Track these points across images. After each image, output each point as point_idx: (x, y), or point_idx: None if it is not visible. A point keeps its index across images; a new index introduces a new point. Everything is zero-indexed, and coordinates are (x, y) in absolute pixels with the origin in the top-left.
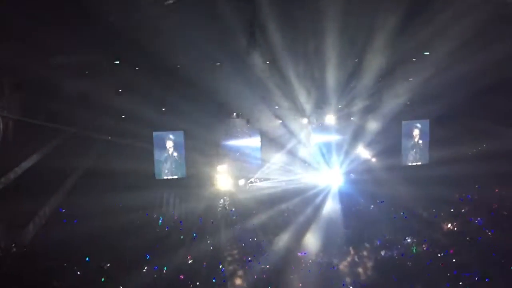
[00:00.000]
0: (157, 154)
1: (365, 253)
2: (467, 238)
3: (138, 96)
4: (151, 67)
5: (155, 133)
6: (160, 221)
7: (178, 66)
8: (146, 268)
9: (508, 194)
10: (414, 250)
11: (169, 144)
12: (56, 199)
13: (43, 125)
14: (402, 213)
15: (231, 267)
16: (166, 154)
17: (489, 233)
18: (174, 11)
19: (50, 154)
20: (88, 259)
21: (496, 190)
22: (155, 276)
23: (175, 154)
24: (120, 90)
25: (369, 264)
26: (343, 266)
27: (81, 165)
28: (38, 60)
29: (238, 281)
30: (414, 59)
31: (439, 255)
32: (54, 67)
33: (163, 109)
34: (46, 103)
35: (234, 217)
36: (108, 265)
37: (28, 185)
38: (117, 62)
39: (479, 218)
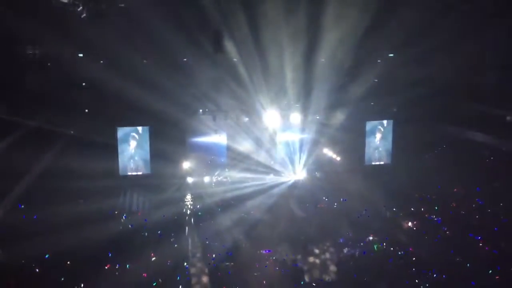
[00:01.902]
0: (121, 150)
1: (327, 250)
2: (424, 233)
3: (102, 91)
4: (116, 61)
5: (119, 129)
6: (123, 218)
7: (145, 61)
8: (108, 265)
9: (466, 194)
10: (375, 248)
11: (134, 140)
12: (15, 195)
13: (2, 118)
14: (364, 211)
15: (196, 265)
16: (130, 150)
17: (447, 232)
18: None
19: (9, 148)
20: (48, 256)
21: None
22: (117, 274)
23: (139, 150)
24: (83, 84)
25: (332, 261)
26: (306, 263)
27: (42, 160)
28: None
29: (203, 279)
30: (379, 60)
31: (399, 253)
32: (15, 59)
33: (128, 104)
34: (6, 95)
35: (199, 214)
36: (69, 262)
37: None
38: (81, 55)
39: (438, 217)
